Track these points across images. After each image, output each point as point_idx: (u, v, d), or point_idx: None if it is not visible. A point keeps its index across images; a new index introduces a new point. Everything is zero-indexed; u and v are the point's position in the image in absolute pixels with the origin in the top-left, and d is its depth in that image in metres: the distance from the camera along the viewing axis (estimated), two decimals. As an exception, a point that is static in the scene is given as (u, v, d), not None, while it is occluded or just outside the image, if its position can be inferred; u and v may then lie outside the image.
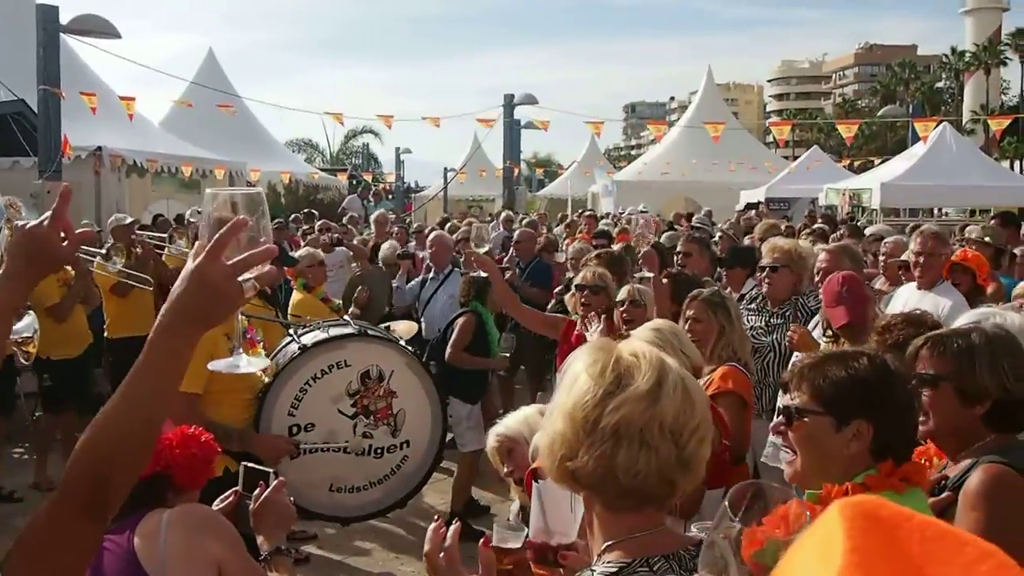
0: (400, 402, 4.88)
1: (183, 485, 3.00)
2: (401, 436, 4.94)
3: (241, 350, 2.02)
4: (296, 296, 7.83)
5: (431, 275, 9.22)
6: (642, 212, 15.96)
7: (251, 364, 2.10)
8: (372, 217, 15.13)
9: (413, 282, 9.49)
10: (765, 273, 6.08)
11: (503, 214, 18.67)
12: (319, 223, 14.33)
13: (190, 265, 1.53)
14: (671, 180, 33.02)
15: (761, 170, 33.12)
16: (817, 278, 5.81)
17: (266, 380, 4.72)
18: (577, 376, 1.76)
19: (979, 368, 2.83)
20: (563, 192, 40.52)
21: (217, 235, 1.51)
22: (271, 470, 3.19)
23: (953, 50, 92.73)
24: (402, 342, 5.28)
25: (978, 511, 2.64)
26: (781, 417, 2.51)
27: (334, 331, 5.04)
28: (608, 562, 1.74)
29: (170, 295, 1.54)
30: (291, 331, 5.25)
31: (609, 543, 1.76)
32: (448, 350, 7.31)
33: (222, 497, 3.15)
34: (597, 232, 11.13)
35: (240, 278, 1.53)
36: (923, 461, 2.90)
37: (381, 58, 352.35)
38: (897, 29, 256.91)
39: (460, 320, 7.48)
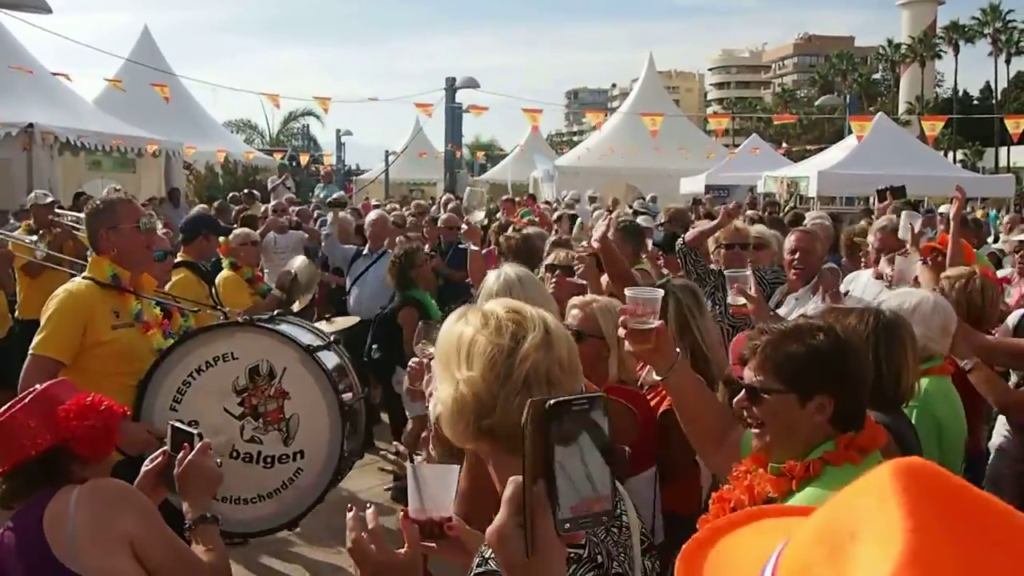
0: (293, 405, 4.22)
1: (87, 457, 2.78)
2: (294, 445, 4.24)
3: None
4: (223, 274, 7.67)
5: (365, 251, 9.20)
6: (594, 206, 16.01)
7: None
8: (328, 202, 14.99)
9: (348, 247, 9.46)
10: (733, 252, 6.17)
11: (443, 197, 18.61)
12: (273, 204, 14.14)
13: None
14: (612, 166, 33.11)
15: (701, 157, 33.41)
16: (794, 257, 5.83)
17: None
18: (471, 340, 1.90)
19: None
20: (504, 177, 40.47)
21: None
22: (196, 431, 3.01)
23: (889, 42, 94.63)
24: (302, 336, 4.53)
25: None
26: (744, 393, 2.55)
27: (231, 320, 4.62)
28: None
29: None
30: (222, 316, 5.07)
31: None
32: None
33: (151, 457, 3.01)
34: (556, 217, 11.12)
35: None
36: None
37: (323, 39, 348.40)
38: (835, 20, 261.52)
39: (402, 315, 7.34)
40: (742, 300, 4.65)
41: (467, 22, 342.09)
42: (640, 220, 11.02)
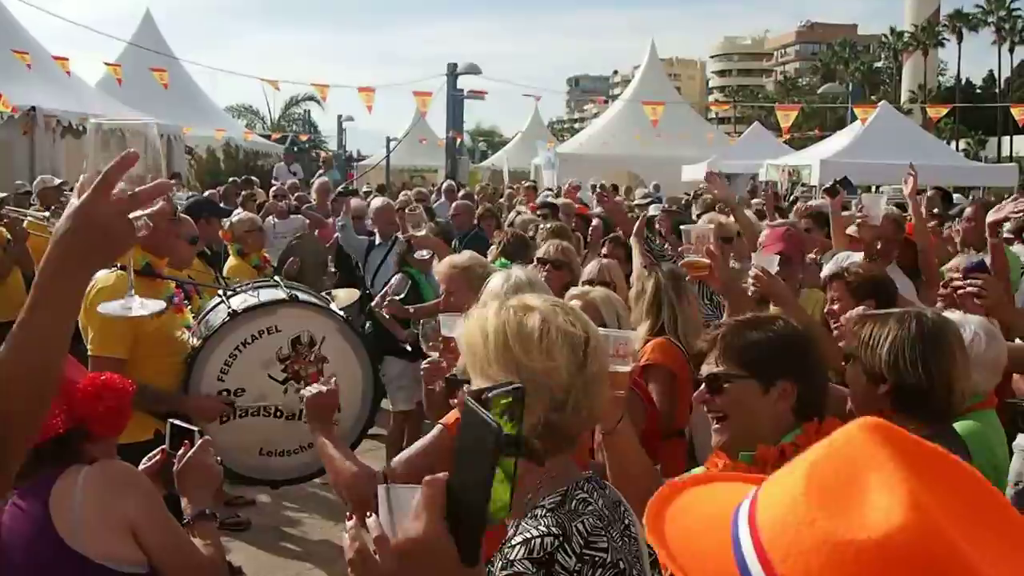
0: (332, 367, 4.75)
1: (100, 436, 2.82)
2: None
3: (133, 291, 1.95)
4: (231, 261, 7.71)
5: (378, 242, 9.16)
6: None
7: (144, 307, 1.99)
8: (314, 185, 14.95)
9: (362, 237, 9.45)
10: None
11: (445, 184, 18.59)
12: (274, 190, 14.12)
13: (75, 202, 1.44)
14: (613, 154, 33.07)
15: (702, 145, 33.35)
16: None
17: (194, 344, 4.62)
18: (545, 334, 1.92)
19: (880, 348, 2.88)
20: (503, 164, 40.44)
21: (104, 170, 1.42)
22: (196, 428, 3.07)
23: (892, 30, 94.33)
24: (335, 308, 5.12)
25: None
26: (704, 386, 2.53)
27: (265, 295, 4.93)
28: (546, 497, 1.93)
29: (54, 234, 1.44)
30: (221, 292, 5.14)
31: (537, 486, 1.96)
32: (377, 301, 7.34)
33: (149, 455, 3.06)
34: (541, 203, 11.11)
35: (131, 215, 1.45)
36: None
37: (323, 24, 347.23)
38: (838, 8, 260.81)
39: (394, 279, 7.47)
40: (696, 257, 4.15)
41: (468, 7, 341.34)
42: (651, 210, 11.03)
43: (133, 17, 29.76)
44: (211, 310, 5.00)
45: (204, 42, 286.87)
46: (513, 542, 1.85)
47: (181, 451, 2.93)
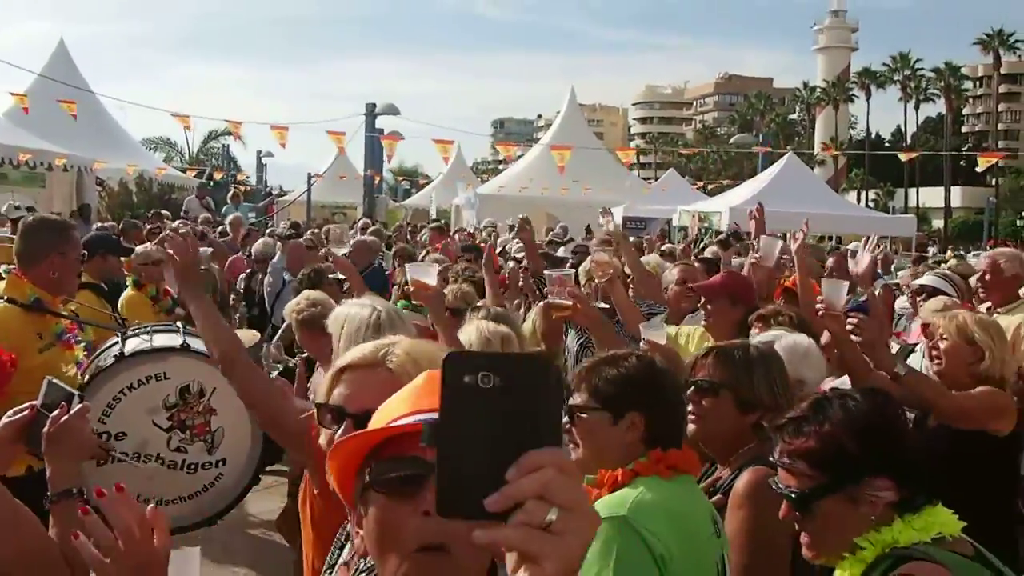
0: (219, 420, 4.69)
1: None
2: (217, 454, 4.77)
3: None
4: (126, 292, 7.64)
5: (287, 279, 9.27)
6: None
7: None
8: (227, 220, 14.93)
9: (275, 279, 9.52)
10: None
11: (361, 221, 18.68)
12: (177, 223, 14.02)
13: None
14: (532, 196, 33.43)
15: (620, 189, 33.96)
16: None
17: (82, 381, 4.50)
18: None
19: (756, 379, 3.13)
20: (427, 203, 40.54)
21: None
22: (77, 392, 2.93)
23: (805, 84, 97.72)
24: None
25: (743, 510, 2.91)
26: (565, 416, 2.69)
27: (159, 340, 4.83)
28: None
29: None
30: (119, 333, 5.12)
31: None
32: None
33: (15, 409, 2.74)
34: (464, 246, 11.25)
35: None
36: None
37: (247, 59, 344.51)
38: (755, 62, 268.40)
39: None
40: (558, 300, 4.44)
41: (397, 47, 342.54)
42: (561, 251, 11.27)
43: (49, 45, 29.33)
44: (106, 349, 4.97)
45: (123, 74, 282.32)
46: None
47: (56, 412, 2.63)
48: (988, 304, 6.12)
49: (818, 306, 4.37)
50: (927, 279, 6.91)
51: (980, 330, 4.33)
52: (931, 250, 22.88)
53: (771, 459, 2.37)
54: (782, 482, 2.28)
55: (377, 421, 1.53)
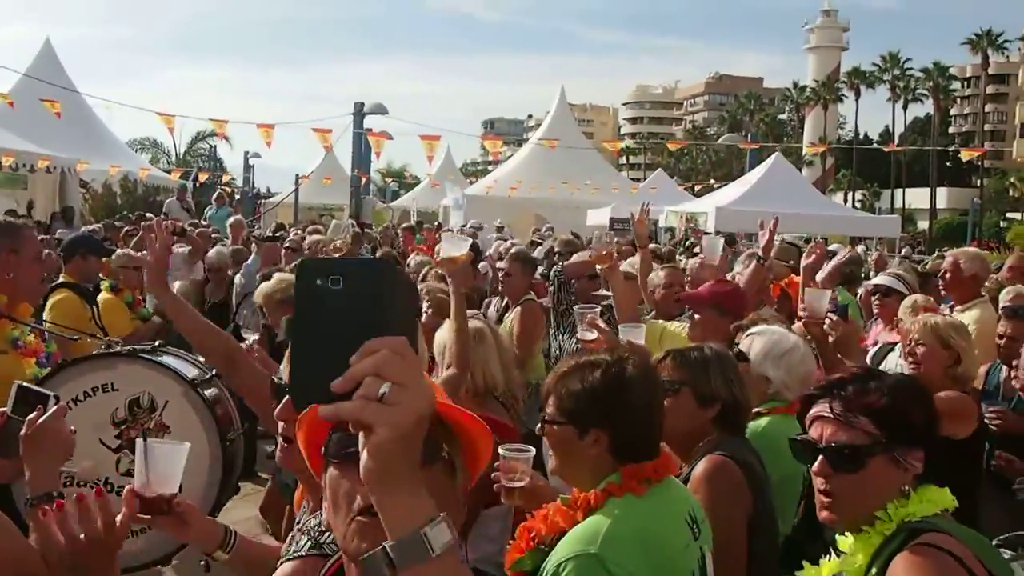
0: (173, 438, 3.87)
1: None
2: None
3: None
4: (102, 296, 7.51)
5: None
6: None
7: None
8: (228, 223, 14.90)
9: (247, 281, 9.49)
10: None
11: (344, 223, 18.64)
12: (155, 220, 13.96)
13: None
14: (521, 197, 33.49)
15: (608, 191, 34.00)
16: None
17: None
18: None
19: (712, 375, 3.26)
20: (414, 204, 40.56)
21: None
22: (52, 393, 2.80)
23: (795, 84, 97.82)
24: (186, 369, 4.54)
25: (700, 493, 2.96)
26: (540, 424, 2.71)
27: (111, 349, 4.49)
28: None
29: None
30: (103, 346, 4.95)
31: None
32: None
33: None
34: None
35: None
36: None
37: (239, 61, 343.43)
38: (745, 62, 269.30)
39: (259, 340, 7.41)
40: (591, 335, 4.64)
41: (388, 48, 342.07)
42: (539, 251, 11.26)
43: (35, 45, 29.18)
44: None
45: (111, 76, 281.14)
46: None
47: (32, 415, 2.57)
48: (952, 303, 6.54)
49: (801, 312, 4.73)
50: (881, 279, 7.16)
51: (955, 334, 4.55)
52: (904, 251, 23.03)
53: (822, 413, 2.35)
54: (828, 438, 2.30)
55: None
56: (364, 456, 1.19)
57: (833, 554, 2.34)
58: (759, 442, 3.44)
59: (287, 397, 2.23)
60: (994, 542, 2.45)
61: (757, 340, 3.91)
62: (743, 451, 3.22)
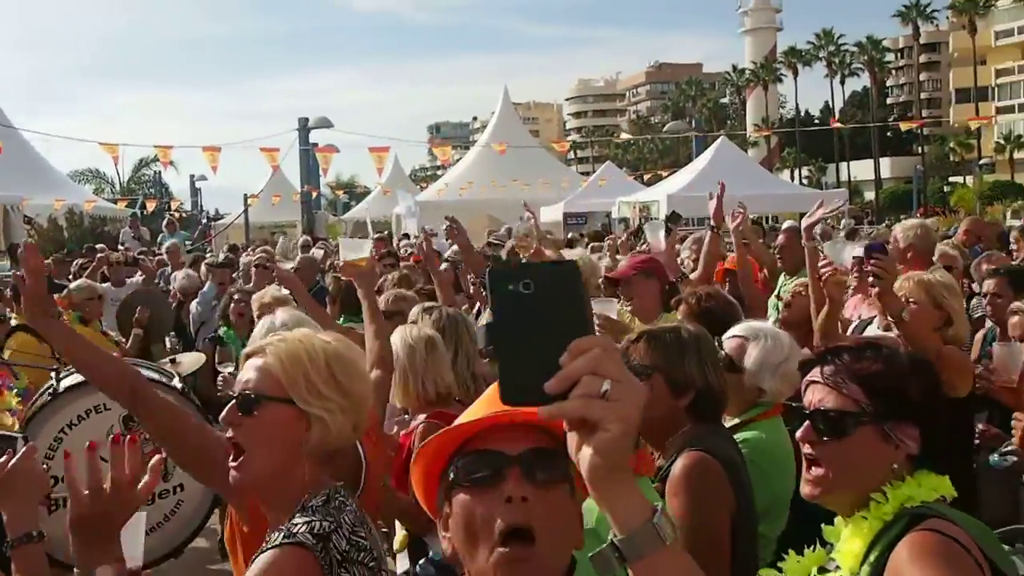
0: None
1: None
2: (173, 480, 4.69)
3: None
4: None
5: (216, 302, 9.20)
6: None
7: None
8: (164, 248, 14.75)
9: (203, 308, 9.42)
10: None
11: (302, 239, 18.50)
12: (114, 256, 13.79)
13: None
14: (472, 199, 33.48)
15: (558, 186, 34.11)
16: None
17: (22, 427, 4.45)
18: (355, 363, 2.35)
19: (687, 360, 3.11)
20: (367, 215, 40.34)
21: None
22: (20, 435, 2.93)
23: (735, 68, 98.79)
24: (175, 376, 5.08)
25: (679, 496, 2.90)
26: None
27: None
28: (313, 499, 2.20)
29: None
30: (53, 372, 5.02)
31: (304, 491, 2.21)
32: None
33: None
34: (385, 252, 11.24)
35: None
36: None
37: (174, 83, 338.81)
38: (685, 48, 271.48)
39: (203, 350, 7.38)
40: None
41: (325, 60, 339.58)
42: (503, 254, 11.29)
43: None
44: (43, 392, 4.85)
45: (47, 106, 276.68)
46: (295, 521, 2.13)
47: (3, 459, 2.53)
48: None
49: (824, 270, 4.52)
50: (856, 250, 7.15)
51: (947, 294, 4.35)
52: (844, 222, 23.35)
53: (814, 379, 2.24)
54: (816, 403, 2.19)
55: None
56: (589, 455, 1.21)
57: (818, 544, 2.23)
58: (753, 454, 3.32)
59: (232, 401, 2.23)
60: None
61: (752, 348, 3.68)
62: (722, 444, 3.12)
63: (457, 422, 1.69)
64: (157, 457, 2.39)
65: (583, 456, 1.22)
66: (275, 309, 4.66)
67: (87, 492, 2.21)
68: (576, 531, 1.65)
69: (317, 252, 10.94)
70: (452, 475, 1.64)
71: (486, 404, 1.69)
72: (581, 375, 1.18)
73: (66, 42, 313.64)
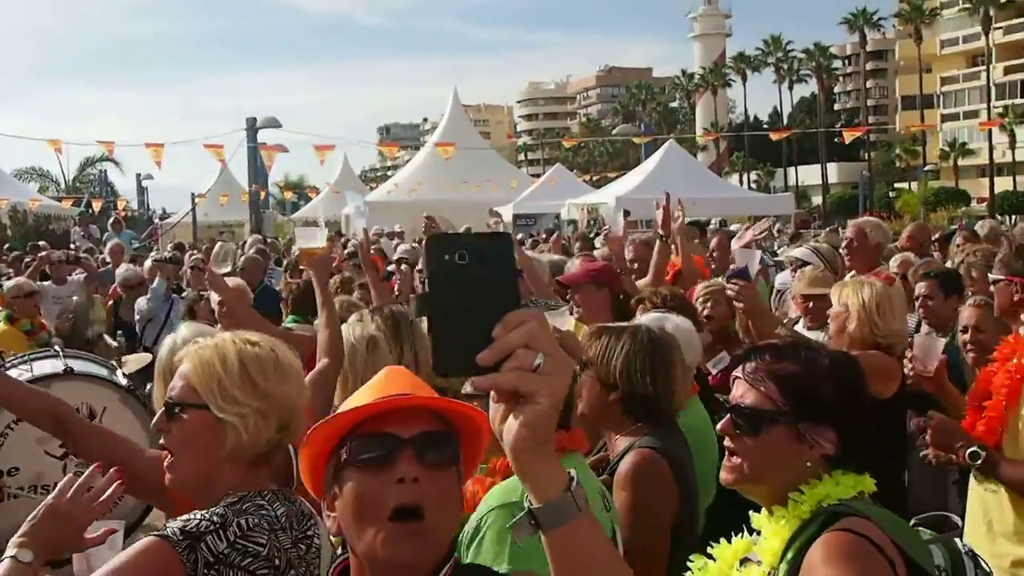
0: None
1: None
2: None
3: None
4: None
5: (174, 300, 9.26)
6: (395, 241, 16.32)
7: None
8: (108, 247, 14.54)
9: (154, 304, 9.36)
10: None
11: (251, 238, 18.33)
12: (56, 255, 13.56)
13: None
14: (422, 200, 33.38)
15: (507, 187, 34.17)
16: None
17: None
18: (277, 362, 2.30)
19: (614, 361, 3.19)
20: (316, 215, 40.06)
21: None
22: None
23: (684, 72, 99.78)
24: (119, 376, 5.09)
25: (626, 492, 2.99)
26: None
27: (39, 368, 4.80)
28: (232, 495, 2.18)
29: None
30: None
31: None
32: None
33: None
34: (349, 253, 11.22)
35: None
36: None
37: (120, 82, 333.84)
38: (635, 52, 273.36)
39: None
40: None
41: (275, 60, 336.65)
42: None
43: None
44: None
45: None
46: (180, 517, 2.10)
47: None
48: (852, 272, 6.28)
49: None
50: (798, 252, 7.32)
51: (883, 315, 4.35)
52: (813, 226, 23.71)
53: (736, 374, 2.28)
54: (736, 398, 2.22)
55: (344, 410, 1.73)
56: (515, 427, 1.22)
57: (746, 531, 2.27)
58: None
59: (162, 409, 2.26)
60: (913, 521, 2.33)
61: (668, 325, 3.75)
62: (673, 444, 3.17)
63: (347, 406, 1.72)
64: (114, 469, 2.49)
65: (509, 427, 1.24)
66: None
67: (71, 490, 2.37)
68: (459, 510, 1.76)
69: (255, 255, 10.76)
70: (344, 456, 1.66)
71: (376, 389, 1.74)
72: (515, 348, 1.20)
73: (8, 41, 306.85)
